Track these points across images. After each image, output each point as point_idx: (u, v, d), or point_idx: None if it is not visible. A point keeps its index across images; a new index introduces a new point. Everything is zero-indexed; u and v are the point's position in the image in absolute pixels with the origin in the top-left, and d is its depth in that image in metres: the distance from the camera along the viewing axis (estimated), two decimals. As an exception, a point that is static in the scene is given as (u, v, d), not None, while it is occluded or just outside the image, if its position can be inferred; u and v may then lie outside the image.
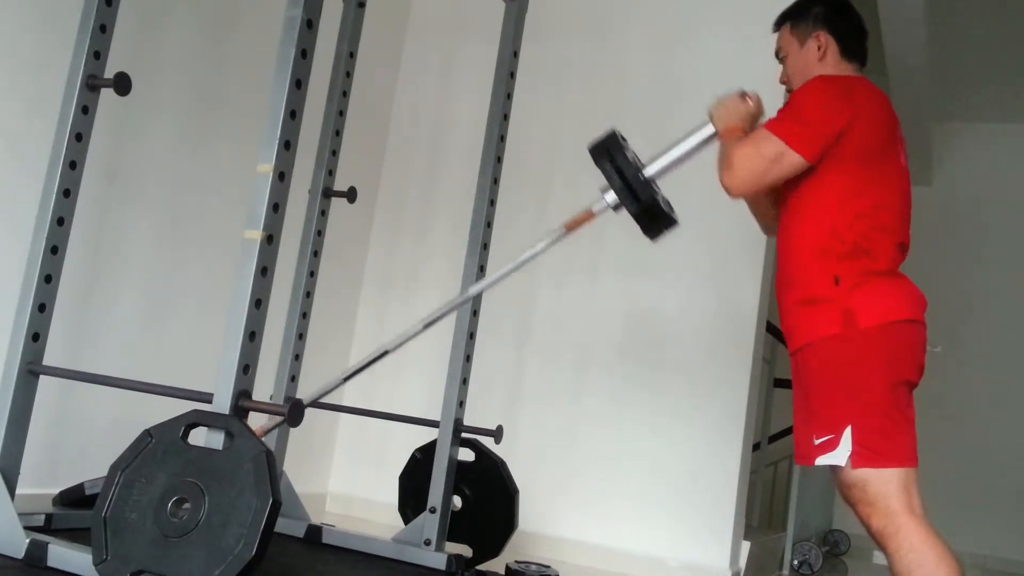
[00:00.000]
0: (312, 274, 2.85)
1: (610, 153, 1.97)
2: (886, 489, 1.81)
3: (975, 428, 6.38)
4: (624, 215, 2.02)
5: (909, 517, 1.80)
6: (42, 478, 2.40)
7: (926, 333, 1.95)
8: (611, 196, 1.98)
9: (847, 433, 1.84)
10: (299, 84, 1.81)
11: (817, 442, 1.90)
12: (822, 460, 1.89)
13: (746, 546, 3.29)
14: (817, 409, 1.93)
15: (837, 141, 1.96)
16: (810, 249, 1.98)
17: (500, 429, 2.61)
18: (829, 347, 1.91)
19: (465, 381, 2.60)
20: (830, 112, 1.97)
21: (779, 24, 2.27)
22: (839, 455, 1.84)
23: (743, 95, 2.13)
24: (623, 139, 2.02)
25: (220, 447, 1.65)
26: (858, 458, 1.83)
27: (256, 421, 1.87)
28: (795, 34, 2.21)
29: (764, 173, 1.97)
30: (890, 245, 1.95)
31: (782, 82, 2.29)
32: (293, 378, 2.78)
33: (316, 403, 2.83)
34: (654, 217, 1.97)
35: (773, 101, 3.20)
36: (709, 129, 2.10)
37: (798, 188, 2.02)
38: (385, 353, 1.99)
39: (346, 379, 2.10)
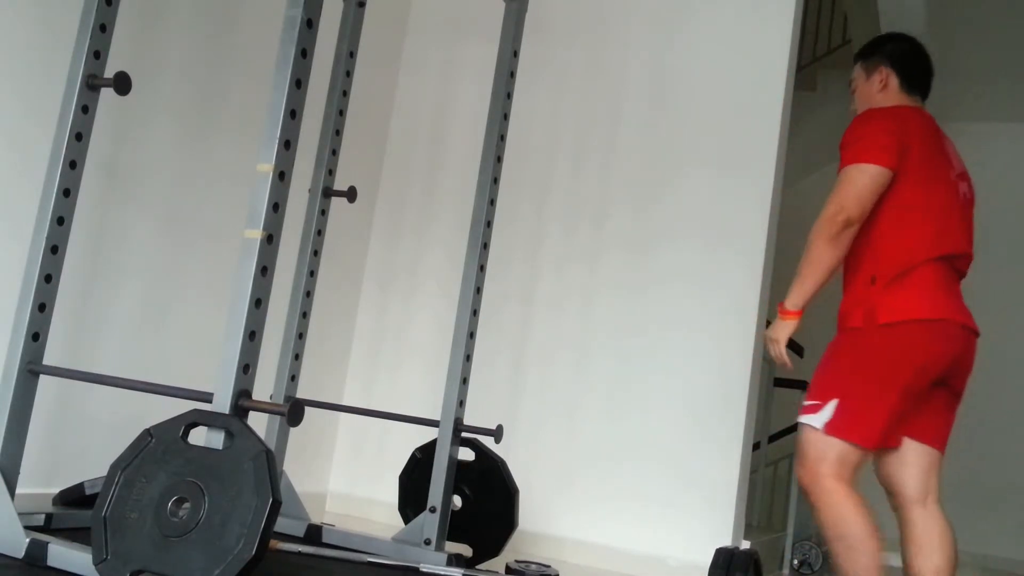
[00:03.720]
0: (312, 273, 2.85)
1: None
2: (827, 453, 2.10)
3: (975, 428, 6.37)
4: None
5: (834, 480, 2.08)
6: (42, 478, 2.40)
7: (944, 327, 2.17)
8: None
9: (832, 404, 2.12)
10: (299, 84, 1.81)
11: (805, 403, 2.19)
12: (801, 419, 2.19)
13: (746, 545, 3.29)
14: (819, 376, 2.23)
15: (904, 152, 2.19)
16: (867, 252, 2.23)
17: (500, 429, 2.61)
18: (855, 336, 2.20)
19: (465, 381, 2.60)
20: (882, 132, 2.21)
21: (856, 59, 2.51)
22: (818, 419, 2.14)
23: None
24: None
25: (220, 447, 1.65)
26: (832, 426, 2.12)
27: (256, 420, 1.87)
28: (864, 67, 2.46)
29: (862, 192, 2.16)
30: (924, 256, 2.18)
31: (852, 111, 2.49)
32: (293, 378, 2.78)
33: (316, 403, 2.84)
34: None
35: (764, 101, 3.20)
36: None
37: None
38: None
39: None
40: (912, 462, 2.32)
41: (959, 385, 2.33)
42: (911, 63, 2.42)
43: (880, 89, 2.39)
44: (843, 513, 2.07)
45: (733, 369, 3.22)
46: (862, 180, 2.15)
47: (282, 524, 2.63)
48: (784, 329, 2.24)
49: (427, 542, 2.47)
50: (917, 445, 2.33)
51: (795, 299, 2.21)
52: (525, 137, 3.48)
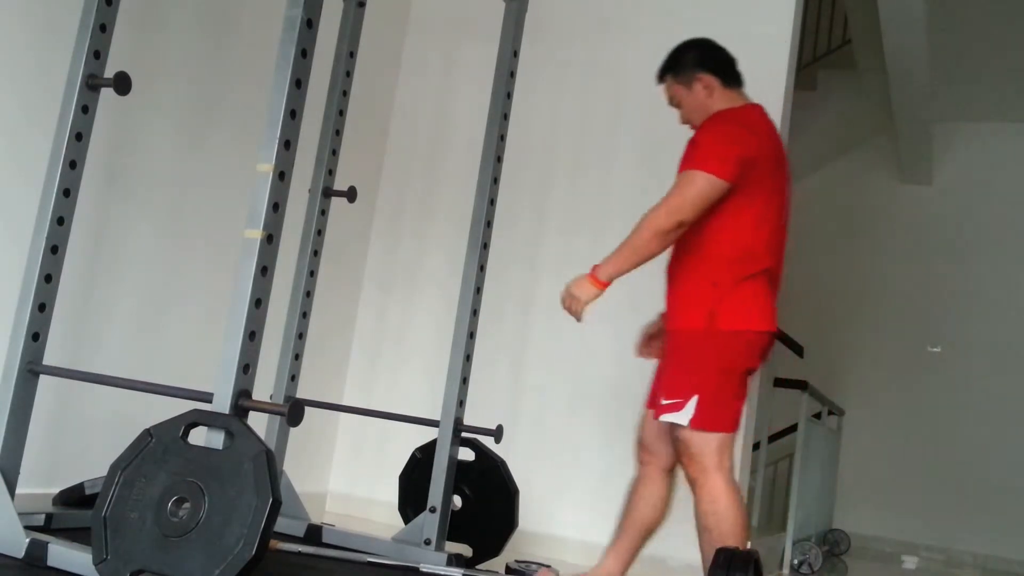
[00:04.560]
0: (312, 273, 2.86)
1: None
2: (705, 448, 2.23)
3: (974, 427, 6.38)
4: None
5: (717, 473, 2.23)
6: (42, 478, 2.40)
7: (770, 339, 2.36)
8: None
9: (693, 401, 2.23)
10: (299, 84, 1.81)
11: (665, 402, 2.27)
12: (667, 418, 2.27)
13: (746, 545, 3.29)
14: (671, 377, 2.32)
15: (749, 165, 2.26)
16: (707, 255, 2.30)
17: (500, 429, 2.61)
18: (696, 336, 2.30)
19: (465, 380, 2.60)
20: (730, 142, 2.27)
21: (662, 77, 2.51)
22: (683, 416, 2.24)
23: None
24: None
25: (220, 447, 1.65)
26: (696, 421, 2.23)
27: (256, 420, 1.87)
28: (680, 82, 2.46)
29: (698, 199, 2.23)
30: (759, 267, 2.30)
31: (683, 123, 2.51)
32: (293, 377, 2.78)
33: (316, 403, 2.84)
34: None
35: (765, 101, 3.19)
36: None
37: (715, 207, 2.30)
38: None
39: None
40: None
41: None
42: (719, 61, 2.46)
43: (708, 96, 2.42)
44: (718, 509, 2.23)
45: (733, 369, 3.21)
46: (703, 188, 2.22)
47: (282, 524, 2.63)
48: (591, 293, 2.27)
49: (427, 542, 2.47)
50: None
51: (611, 273, 2.26)
52: (525, 137, 3.48)
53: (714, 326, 2.27)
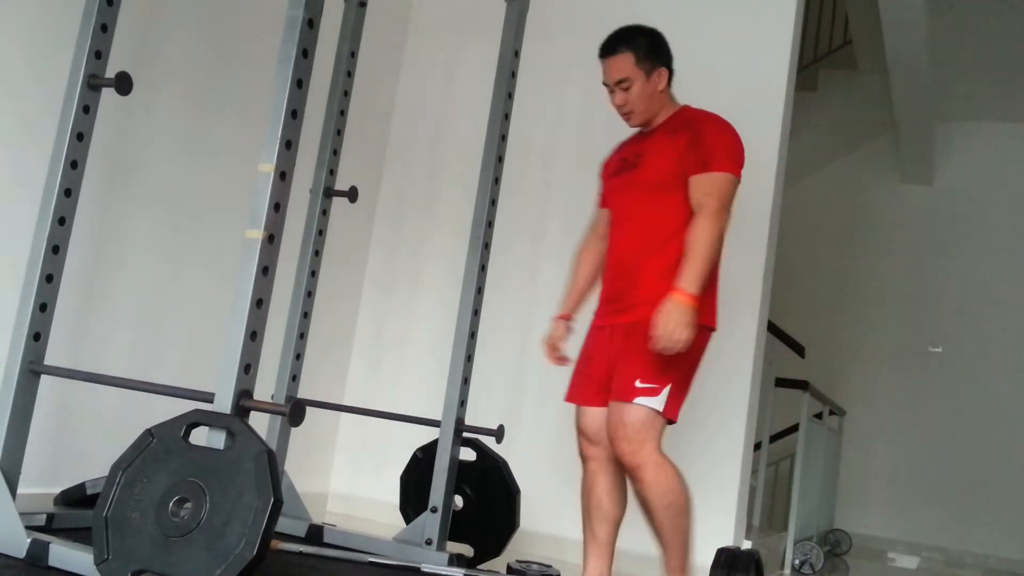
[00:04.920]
0: (313, 273, 2.86)
1: None
2: (653, 433, 2.26)
3: (975, 428, 6.38)
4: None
5: (660, 454, 2.26)
6: (43, 478, 2.40)
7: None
8: None
9: (667, 389, 2.26)
10: (300, 84, 1.81)
11: (642, 386, 2.26)
12: (642, 401, 2.25)
13: (747, 545, 3.29)
14: (649, 363, 2.27)
15: None
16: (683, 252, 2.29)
17: (501, 429, 2.61)
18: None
19: (466, 381, 2.60)
20: (740, 141, 2.37)
21: (616, 51, 2.38)
22: (658, 402, 2.25)
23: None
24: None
25: (221, 447, 1.65)
26: (666, 409, 2.27)
27: (257, 420, 1.87)
28: (641, 67, 2.36)
29: (732, 198, 2.33)
30: (718, 264, 2.34)
31: (618, 105, 2.42)
32: (294, 377, 2.78)
33: (317, 403, 2.84)
34: None
35: (765, 101, 3.20)
36: None
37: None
38: None
39: None
40: None
41: None
42: (671, 58, 2.43)
43: (664, 88, 2.40)
44: (673, 485, 2.27)
45: (734, 369, 3.22)
46: (733, 188, 2.31)
47: (283, 524, 2.63)
48: (692, 312, 2.18)
49: (428, 542, 2.47)
50: None
51: (697, 287, 2.21)
52: (526, 137, 3.48)
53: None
